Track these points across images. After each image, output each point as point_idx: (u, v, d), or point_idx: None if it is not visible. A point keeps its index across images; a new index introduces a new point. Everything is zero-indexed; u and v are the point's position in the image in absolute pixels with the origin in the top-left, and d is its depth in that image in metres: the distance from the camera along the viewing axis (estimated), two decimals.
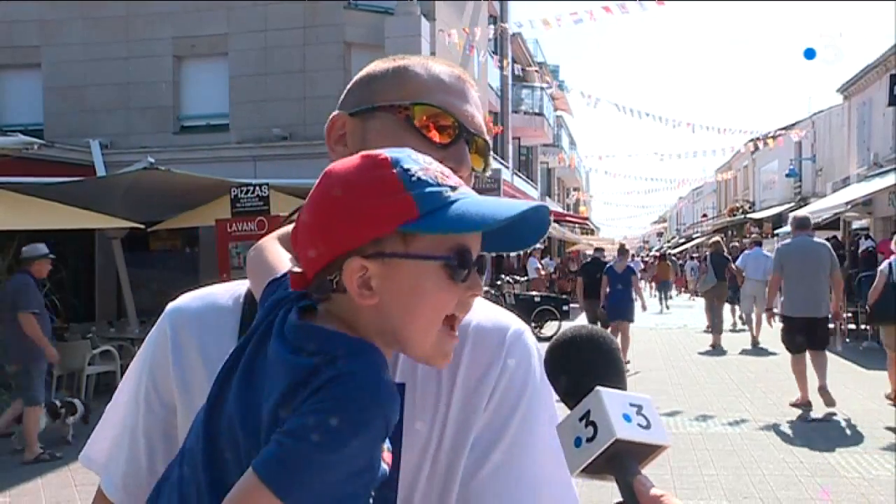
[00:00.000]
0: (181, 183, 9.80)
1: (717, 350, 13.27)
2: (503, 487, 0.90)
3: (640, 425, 0.70)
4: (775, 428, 7.29)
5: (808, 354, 8.03)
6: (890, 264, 8.27)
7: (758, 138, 23.30)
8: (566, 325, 15.32)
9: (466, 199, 0.75)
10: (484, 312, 0.97)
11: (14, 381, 7.03)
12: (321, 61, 14.25)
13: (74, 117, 14.77)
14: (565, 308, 16.10)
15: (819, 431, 7.11)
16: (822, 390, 7.80)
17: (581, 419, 0.71)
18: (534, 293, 17.31)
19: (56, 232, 8.49)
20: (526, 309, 15.47)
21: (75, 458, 6.40)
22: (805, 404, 7.98)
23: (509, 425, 0.92)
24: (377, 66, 1.03)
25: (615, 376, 0.74)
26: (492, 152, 1.06)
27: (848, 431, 7.08)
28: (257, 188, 8.28)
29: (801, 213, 9.19)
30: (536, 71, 27.53)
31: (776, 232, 22.81)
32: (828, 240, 18.25)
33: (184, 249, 13.71)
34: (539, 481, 0.92)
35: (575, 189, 45.35)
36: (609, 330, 10.98)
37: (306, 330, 0.76)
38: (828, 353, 8.07)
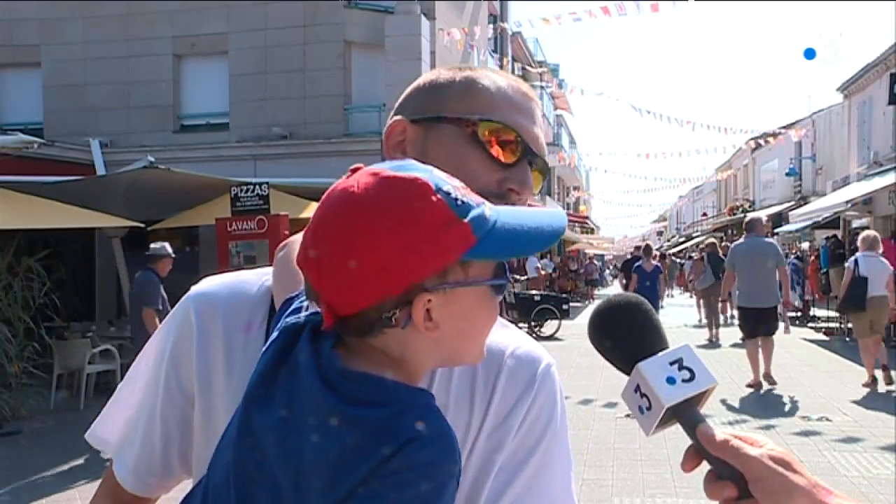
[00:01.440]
0: (181, 182, 9.80)
1: (713, 344, 13.90)
2: None
3: (684, 380, 0.78)
4: (775, 427, 7.29)
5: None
6: (856, 259, 9.09)
7: (758, 137, 23.28)
8: (566, 325, 15.40)
9: (500, 214, 0.75)
10: (516, 343, 0.98)
11: None
12: (321, 60, 14.27)
13: (74, 116, 14.77)
14: (565, 307, 16.11)
15: (819, 431, 7.11)
16: (767, 376, 9.06)
17: (636, 391, 0.80)
18: (534, 292, 17.31)
19: (56, 231, 8.48)
20: (526, 308, 15.46)
21: (75, 458, 6.39)
22: (756, 385, 9.04)
23: (532, 457, 0.94)
24: (440, 74, 1.01)
25: (654, 335, 0.82)
26: None
27: (848, 431, 7.07)
28: (257, 187, 8.29)
29: (753, 215, 10.30)
30: (537, 70, 27.51)
31: (776, 231, 22.79)
32: (827, 239, 18.41)
33: (184, 248, 13.69)
34: None
35: (575, 188, 45.27)
36: None
37: (356, 378, 0.73)
38: (827, 353, 8.16)
